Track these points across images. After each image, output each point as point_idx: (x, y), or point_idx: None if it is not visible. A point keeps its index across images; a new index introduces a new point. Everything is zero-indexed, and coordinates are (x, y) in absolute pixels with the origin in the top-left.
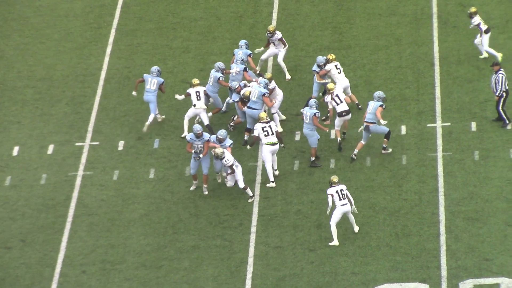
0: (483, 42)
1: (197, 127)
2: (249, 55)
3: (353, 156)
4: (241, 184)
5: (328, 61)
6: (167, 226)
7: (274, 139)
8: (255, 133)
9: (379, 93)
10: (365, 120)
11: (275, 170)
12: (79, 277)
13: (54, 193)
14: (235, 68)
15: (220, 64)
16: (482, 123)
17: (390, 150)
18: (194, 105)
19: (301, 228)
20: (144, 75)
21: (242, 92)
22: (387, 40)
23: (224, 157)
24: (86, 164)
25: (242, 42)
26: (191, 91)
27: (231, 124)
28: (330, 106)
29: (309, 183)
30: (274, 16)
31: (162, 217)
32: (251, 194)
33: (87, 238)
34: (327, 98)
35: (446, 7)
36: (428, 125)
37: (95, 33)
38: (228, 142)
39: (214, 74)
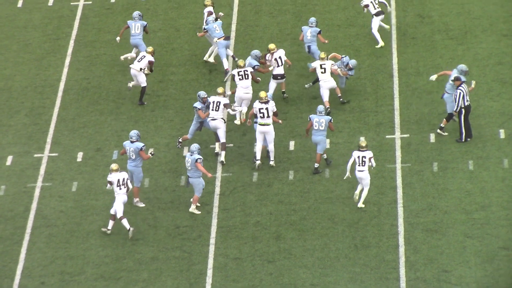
0: (372, 24)
1: (133, 133)
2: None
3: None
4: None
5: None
6: (126, 237)
7: (268, 120)
8: (254, 111)
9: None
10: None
11: (272, 160)
12: None
13: (12, 204)
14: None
15: (256, 52)
16: (441, 134)
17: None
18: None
19: (260, 240)
20: (128, 21)
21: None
22: (346, 51)
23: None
24: (45, 176)
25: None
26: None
27: (179, 141)
28: (268, 63)
29: (268, 194)
30: (233, 27)
31: (121, 228)
32: (128, 227)
33: (46, 249)
34: (268, 56)
35: (405, 18)
36: (387, 136)
37: (53, 44)
38: (197, 157)
39: (249, 61)
